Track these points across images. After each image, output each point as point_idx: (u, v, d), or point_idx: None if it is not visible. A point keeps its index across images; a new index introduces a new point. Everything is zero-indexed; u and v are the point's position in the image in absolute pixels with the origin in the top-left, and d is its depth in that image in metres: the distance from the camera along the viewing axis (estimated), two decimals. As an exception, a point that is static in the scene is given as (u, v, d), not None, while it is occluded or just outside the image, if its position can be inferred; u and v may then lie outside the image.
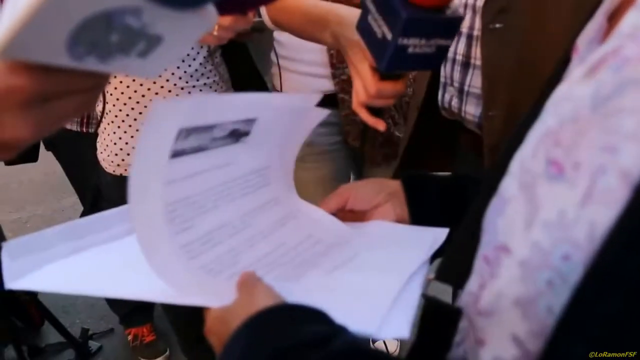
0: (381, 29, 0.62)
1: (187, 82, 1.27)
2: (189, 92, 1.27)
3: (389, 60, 0.62)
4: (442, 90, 1.00)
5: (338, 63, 1.24)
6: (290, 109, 0.63)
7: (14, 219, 2.80)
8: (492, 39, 0.83)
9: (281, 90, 1.36)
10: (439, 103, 1.01)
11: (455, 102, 0.97)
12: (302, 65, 1.30)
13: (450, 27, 0.63)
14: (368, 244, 0.60)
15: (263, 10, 1.06)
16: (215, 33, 1.00)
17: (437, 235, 0.59)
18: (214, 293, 0.47)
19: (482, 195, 0.42)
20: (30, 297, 1.72)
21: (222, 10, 0.38)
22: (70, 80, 0.30)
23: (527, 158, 0.34)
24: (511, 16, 0.81)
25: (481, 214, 0.39)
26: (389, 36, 0.61)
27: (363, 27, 0.66)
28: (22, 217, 2.85)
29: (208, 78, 1.31)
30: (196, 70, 1.28)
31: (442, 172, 1.17)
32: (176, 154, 0.47)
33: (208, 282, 0.49)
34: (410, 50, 0.62)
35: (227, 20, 0.97)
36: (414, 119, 1.04)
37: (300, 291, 0.48)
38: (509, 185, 0.36)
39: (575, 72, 0.34)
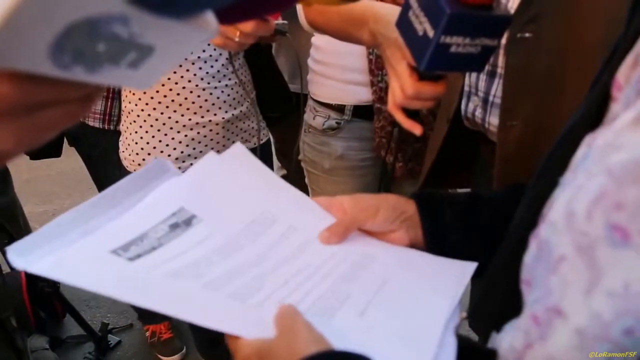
0: (422, 25, 0.59)
1: (208, 83, 1.27)
2: (210, 93, 1.27)
3: (429, 59, 0.59)
4: (466, 100, 0.97)
5: (377, 69, 1.20)
6: (199, 177, 0.63)
7: (41, 212, 2.86)
8: (520, 49, 0.81)
9: (315, 98, 1.32)
10: (462, 113, 0.98)
11: (479, 113, 0.94)
12: (340, 72, 1.26)
13: (498, 26, 0.60)
14: (394, 271, 0.58)
15: (300, 12, 1.04)
16: (236, 39, 1.00)
17: (466, 270, 0.57)
18: (247, 321, 0.47)
19: (513, 236, 0.40)
20: (53, 290, 1.75)
21: (228, 19, 0.36)
22: (58, 90, 0.28)
23: (581, 219, 0.32)
24: (542, 25, 0.78)
25: (516, 257, 0.37)
26: (431, 33, 0.58)
27: (403, 23, 0.63)
28: (48, 210, 2.90)
29: (229, 79, 1.31)
30: (218, 71, 1.28)
31: (463, 186, 1.15)
32: (134, 258, 0.51)
33: (238, 309, 0.49)
34: (452, 49, 0.59)
35: (248, 26, 0.96)
36: (444, 132, 1.00)
37: (337, 331, 0.47)
38: (558, 241, 0.34)
39: (623, 116, 0.32)
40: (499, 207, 0.60)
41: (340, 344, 0.45)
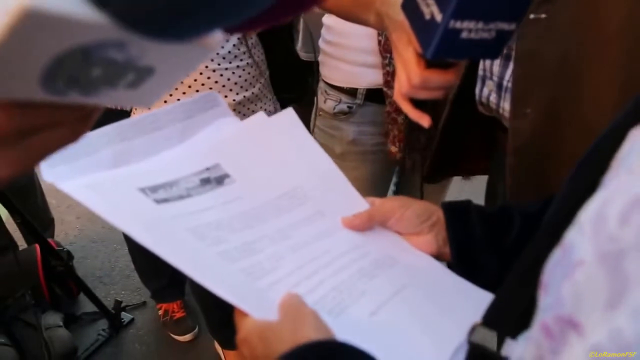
0: (430, 8, 0.54)
1: (219, 65, 1.24)
2: (221, 75, 1.24)
3: (437, 46, 0.54)
4: (481, 84, 0.92)
5: (385, 52, 1.14)
6: (243, 136, 0.61)
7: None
8: (533, 30, 0.75)
9: (326, 80, 1.28)
10: (477, 97, 0.94)
11: (493, 98, 0.90)
12: (352, 53, 1.20)
13: (516, 8, 0.54)
14: (414, 280, 0.57)
15: None
16: None
17: (484, 302, 0.56)
18: (254, 299, 0.47)
19: (540, 239, 0.38)
20: (66, 269, 1.76)
21: (238, 29, 0.34)
22: (52, 114, 0.27)
23: (612, 223, 0.29)
24: (558, 6, 0.73)
25: (540, 261, 0.35)
26: (439, 17, 0.52)
27: (409, 5, 0.58)
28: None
29: (241, 60, 1.27)
30: (229, 52, 1.25)
31: (477, 174, 1.11)
32: (160, 201, 0.51)
33: (248, 286, 0.48)
34: (463, 35, 0.54)
35: None
36: (446, 114, 0.97)
37: (344, 327, 0.47)
38: (580, 245, 0.31)
39: None
40: (531, 221, 0.57)
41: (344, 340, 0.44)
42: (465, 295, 0.56)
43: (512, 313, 0.38)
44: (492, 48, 0.58)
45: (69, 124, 0.29)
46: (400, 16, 0.62)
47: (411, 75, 0.67)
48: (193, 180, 0.55)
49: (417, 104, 0.71)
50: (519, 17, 0.55)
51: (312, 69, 1.33)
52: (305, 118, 1.52)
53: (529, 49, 0.75)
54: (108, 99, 0.27)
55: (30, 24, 0.20)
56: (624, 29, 0.65)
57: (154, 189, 0.52)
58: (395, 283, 0.55)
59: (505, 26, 0.55)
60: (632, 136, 0.34)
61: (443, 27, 0.53)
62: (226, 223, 0.53)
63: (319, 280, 0.52)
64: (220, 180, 0.57)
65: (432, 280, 0.58)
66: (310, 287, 0.50)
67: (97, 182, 0.49)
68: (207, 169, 0.57)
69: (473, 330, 0.42)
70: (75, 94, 0.25)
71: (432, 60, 0.64)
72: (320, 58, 1.31)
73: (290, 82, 1.53)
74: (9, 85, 0.24)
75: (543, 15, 0.73)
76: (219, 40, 0.28)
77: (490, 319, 0.42)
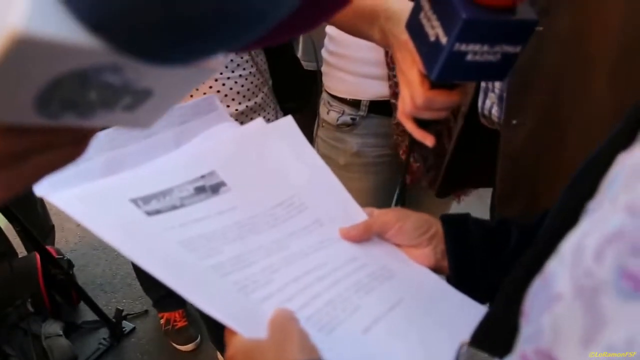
0: (435, 30, 0.53)
1: (221, 74, 1.22)
2: (223, 84, 1.23)
3: (441, 68, 0.54)
4: (483, 97, 0.91)
5: (392, 63, 1.11)
6: (240, 142, 0.60)
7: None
8: (530, 42, 0.74)
9: (329, 91, 1.27)
10: (479, 110, 0.93)
11: (495, 111, 0.88)
12: (355, 65, 1.18)
13: (521, 31, 0.54)
14: (410, 294, 0.56)
15: None
16: None
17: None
18: (244, 317, 0.46)
19: (525, 264, 0.37)
20: (66, 277, 1.75)
21: (245, 48, 0.33)
22: (48, 137, 0.26)
23: (588, 257, 0.28)
24: (554, 18, 0.71)
25: (523, 287, 0.34)
26: (444, 40, 0.52)
27: (413, 26, 0.57)
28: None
29: (244, 69, 1.25)
30: (231, 60, 1.23)
31: (489, 186, 1.09)
32: (152, 213, 0.50)
33: (239, 302, 0.48)
34: (468, 57, 0.53)
35: None
36: (458, 129, 0.95)
37: (335, 345, 0.46)
38: (560, 275, 0.30)
39: None
40: (528, 235, 0.57)
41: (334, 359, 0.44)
42: (462, 309, 0.56)
43: (499, 334, 0.38)
44: (498, 70, 0.57)
45: (64, 146, 0.28)
46: (405, 35, 0.61)
47: (415, 95, 0.66)
48: (187, 188, 0.54)
49: (421, 122, 0.70)
50: (524, 40, 0.55)
51: (316, 78, 1.32)
52: (309, 128, 1.50)
53: (525, 60, 0.74)
54: (104, 121, 0.27)
55: (23, 49, 0.19)
56: (619, 40, 0.64)
57: (147, 199, 0.51)
58: (391, 297, 0.54)
59: (510, 49, 0.55)
60: (620, 160, 0.33)
61: (448, 50, 0.52)
62: (220, 234, 0.52)
63: (314, 294, 0.51)
64: (215, 188, 0.56)
65: (429, 294, 0.58)
66: (304, 301, 0.50)
67: (88, 194, 0.49)
68: (203, 176, 0.56)
69: (461, 348, 0.41)
70: (70, 117, 0.25)
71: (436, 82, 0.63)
72: (323, 69, 1.29)
73: (294, 91, 1.51)
74: (1, 110, 0.23)
75: (540, 28, 0.72)
76: (221, 62, 0.27)
77: (478, 338, 0.42)
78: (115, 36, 0.21)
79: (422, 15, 0.55)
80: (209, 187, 0.55)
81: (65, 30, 0.20)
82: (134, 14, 0.20)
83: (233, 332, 0.46)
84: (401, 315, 0.52)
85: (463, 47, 0.52)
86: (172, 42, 0.22)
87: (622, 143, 0.35)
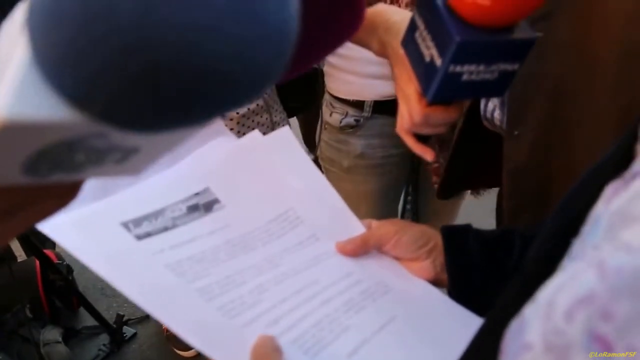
0: (430, 51, 0.52)
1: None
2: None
3: (436, 89, 0.53)
4: (485, 100, 0.89)
5: None
6: (235, 157, 0.60)
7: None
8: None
9: (331, 92, 1.24)
10: (482, 113, 0.91)
11: (497, 114, 0.86)
12: (358, 64, 1.16)
13: (519, 50, 0.52)
14: (405, 310, 0.55)
15: None
16: None
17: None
18: (226, 345, 0.45)
19: (508, 299, 0.37)
20: (66, 283, 1.72)
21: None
22: (37, 192, 0.26)
23: (559, 314, 0.27)
24: (553, 24, 0.68)
25: (503, 322, 0.33)
26: (438, 62, 0.51)
27: (409, 43, 0.56)
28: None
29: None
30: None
31: (492, 187, 1.07)
32: (142, 237, 0.50)
33: (222, 328, 0.47)
34: (464, 77, 0.52)
35: None
36: (459, 130, 0.93)
37: None
38: (533, 324, 0.29)
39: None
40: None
41: None
42: (461, 323, 0.54)
43: None
44: (496, 87, 0.56)
45: (55, 197, 0.28)
46: (402, 49, 0.60)
47: (412, 112, 0.65)
48: (180, 208, 0.54)
49: (421, 136, 0.70)
50: (522, 58, 0.53)
51: (319, 78, 1.29)
52: (313, 126, 1.47)
53: (525, 68, 0.72)
54: (95, 174, 0.27)
55: (8, 132, 0.20)
56: (622, 44, 0.62)
57: (138, 222, 0.51)
58: (383, 315, 0.53)
59: (508, 67, 0.53)
60: (607, 194, 0.31)
61: (442, 72, 0.51)
62: (210, 254, 0.52)
63: (301, 315, 0.50)
64: (208, 206, 0.55)
65: (425, 310, 0.57)
66: (289, 324, 0.49)
67: (78, 220, 0.48)
68: (196, 194, 0.56)
69: None
70: (59, 175, 0.25)
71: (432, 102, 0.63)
72: (326, 70, 1.27)
73: (298, 90, 1.48)
74: None
75: (539, 34, 0.69)
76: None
77: None
78: (101, 112, 0.20)
79: (417, 34, 0.54)
80: (202, 205, 0.55)
81: (50, 108, 0.20)
82: (121, 93, 0.19)
83: None
84: (392, 334, 0.51)
85: (458, 69, 0.51)
86: (162, 119, 0.21)
87: (608, 173, 0.33)
